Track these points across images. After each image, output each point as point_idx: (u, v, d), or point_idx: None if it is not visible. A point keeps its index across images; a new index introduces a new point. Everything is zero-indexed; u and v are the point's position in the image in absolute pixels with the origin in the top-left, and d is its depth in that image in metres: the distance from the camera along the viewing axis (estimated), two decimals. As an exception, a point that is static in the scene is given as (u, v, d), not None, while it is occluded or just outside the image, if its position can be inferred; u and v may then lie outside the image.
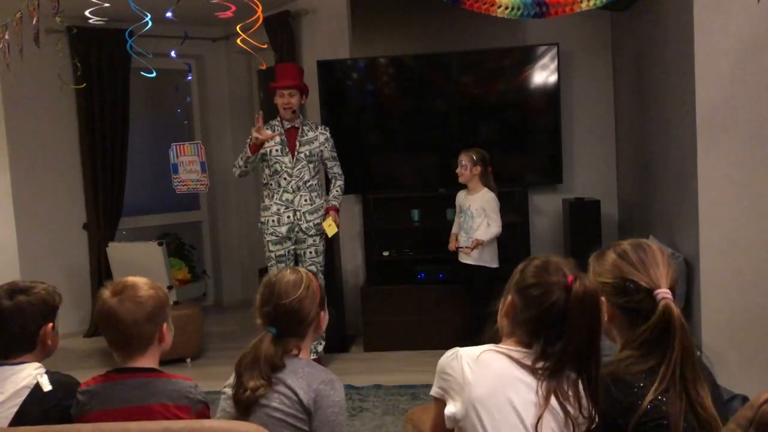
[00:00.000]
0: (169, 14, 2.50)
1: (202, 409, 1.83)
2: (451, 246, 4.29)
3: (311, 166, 4.18)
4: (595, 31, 4.99)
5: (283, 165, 4.11)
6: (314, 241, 4.20)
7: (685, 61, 3.39)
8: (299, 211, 4.14)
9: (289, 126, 4.15)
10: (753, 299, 3.25)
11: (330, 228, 4.15)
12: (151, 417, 1.75)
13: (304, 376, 1.75)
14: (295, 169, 4.13)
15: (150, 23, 2.42)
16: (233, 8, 2.51)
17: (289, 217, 4.14)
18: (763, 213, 3.23)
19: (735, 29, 3.20)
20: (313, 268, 4.22)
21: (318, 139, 4.20)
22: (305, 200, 4.15)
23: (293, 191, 4.12)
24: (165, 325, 1.89)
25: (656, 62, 3.96)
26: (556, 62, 4.72)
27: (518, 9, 2.24)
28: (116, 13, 2.70)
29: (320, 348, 4.33)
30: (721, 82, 3.24)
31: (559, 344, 1.44)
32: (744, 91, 3.22)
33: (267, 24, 5.06)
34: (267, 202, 4.18)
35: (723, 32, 3.21)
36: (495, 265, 4.10)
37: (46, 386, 1.80)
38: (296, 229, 4.17)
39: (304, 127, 4.18)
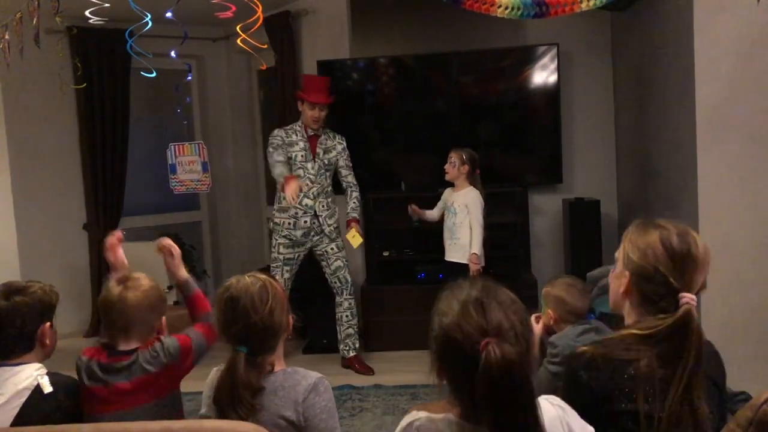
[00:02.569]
0: (169, 14, 2.50)
1: (181, 354, 1.91)
2: (412, 208, 4.27)
3: (328, 173, 4.28)
4: (595, 31, 4.99)
5: (306, 171, 4.17)
6: (334, 237, 4.28)
7: (685, 61, 3.39)
8: (321, 216, 4.21)
9: (311, 133, 4.22)
10: (753, 299, 3.25)
11: (354, 239, 4.19)
12: (141, 389, 1.83)
13: (286, 393, 1.64)
14: (317, 175, 4.20)
15: (150, 23, 2.42)
16: (233, 8, 2.51)
17: (306, 221, 4.20)
18: (763, 213, 3.24)
19: (735, 29, 3.20)
20: (339, 263, 4.28)
21: (336, 148, 4.28)
22: (323, 206, 4.24)
23: (314, 197, 4.19)
24: (164, 319, 1.97)
25: (656, 62, 3.96)
26: (556, 62, 4.72)
27: (518, 9, 2.24)
28: (116, 13, 2.70)
29: (357, 344, 4.38)
30: (721, 82, 3.24)
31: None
32: (744, 91, 3.22)
33: (267, 24, 5.05)
34: (285, 204, 4.19)
35: (723, 32, 3.22)
36: (482, 263, 4.08)
37: (47, 388, 1.79)
38: (312, 233, 4.23)
39: (322, 136, 4.26)
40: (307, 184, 4.17)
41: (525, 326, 1.21)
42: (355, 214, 4.30)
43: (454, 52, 5.06)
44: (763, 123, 3.21)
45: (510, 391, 1.14)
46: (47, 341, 1.92)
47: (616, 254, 1.58)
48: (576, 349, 1.51)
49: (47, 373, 1.84)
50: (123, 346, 1.89)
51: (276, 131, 4.23)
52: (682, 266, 1.44)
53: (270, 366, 1.68)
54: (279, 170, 4.04)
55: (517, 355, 1.15)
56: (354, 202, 4.33)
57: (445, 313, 1.22)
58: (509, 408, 1.15)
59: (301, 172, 4.16)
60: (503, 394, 1.14)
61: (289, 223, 4.20)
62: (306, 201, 4.17)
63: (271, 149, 4.16)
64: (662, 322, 1.41)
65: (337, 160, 4.29)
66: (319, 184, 4.22)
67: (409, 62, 5.07)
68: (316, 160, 4.20)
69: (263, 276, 1.74)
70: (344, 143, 4.33)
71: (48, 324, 1.92)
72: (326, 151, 4.24)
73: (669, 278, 1.43)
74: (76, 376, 1.91)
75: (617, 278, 1.55)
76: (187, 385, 2.01)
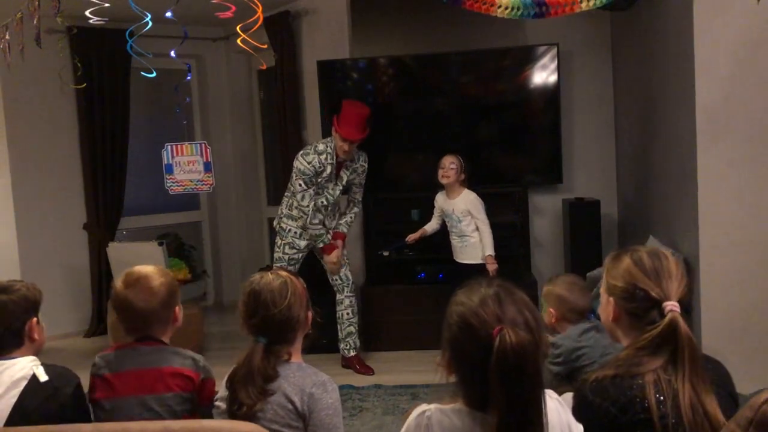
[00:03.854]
0: (169, 14, 2.49)
1: (209, 381, 1.94)
2: (410, 238, 4.34)
3: (342, 191, 4.27)
4: (595, 31, 4.99)
5: (327, 190, 4.17)
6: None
7: (685, 61, 3.39)
8: (329, 228, 4.24)
9: (342, 159, 4.15)
10: (753, 299, 3.25)
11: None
12: (161, 379, 1.87)
13: (296, 381, 1.73)
14: (336, 195, 4.21)
15: (150, 23, 2.42)
16: (233, 8, 2.51)
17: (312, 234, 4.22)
18: (763, 213, 3.24)
19: (735, 29, 3.20)
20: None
21: (357, 170, 4.26)
22: (331, 217, 4.28)
23: (325, 214, 4.18)
24: (177, 308, 2.03)
25: (656, 62, 3.96)
26: (556, 62, 4.72)
27: (518, 9, 2.24)
28: (116, 13, 2.70)
29: (359, 343, 4.40)
30: (721, 82, 3.24)
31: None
32: (744, 91, 3.22)
33: (267, 24, 5.05)
34: (296, 213, 4.20)
35: (723, 32, 3.22)
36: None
37: (43, 376, 1.84)
38: (313, 244, 4.26)
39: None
40: (323, 203, 4.16)
41: (538, 323, 1.28)
42: (345, 229, 4.31)
43: (454, 52, 5.06)
44: (763, 123, 3.21)
45: (521, 377, 1.20)
46: (35, 336, 1.97)
47: (600, 290, 1.66)
48: (585, 374, 1.56)
49: (42, 364, 1.89)
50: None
51: (311, 157, 4.02)
52: (658, 278, 1.52)
53: (287, 355, 1.78)
54: (319, 231, 4.10)
55: (531, 342, 1.22)
56: (350, 218, 4.35)
57: (462, 303, 1.30)
58: (519, 395, 1.20)
59: (322, 191, 4.15)
60: (515, 380, 1.19)
61: (295, 232, 4.22)
62: (318, 216, 4.15)
63: (302, 183, 4.02)
64: (652, 333, 1.47)
65: (354, 178, 4.27)
66: (335, 203, 4.25)
67: (409, 62, 5.07)
68: (339, 183, 4.19)
69: (285, 273, 1.85)
70: (366, 165, 4.28)
71: (34, 319, 1.97)
72: (348, 172, 4.22)
73: (648, 291, 1.50)
74: (76, 372, 1.94)
75: (604, 308, 1.63)
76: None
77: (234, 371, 1.75)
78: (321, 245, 4.16)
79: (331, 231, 4.25)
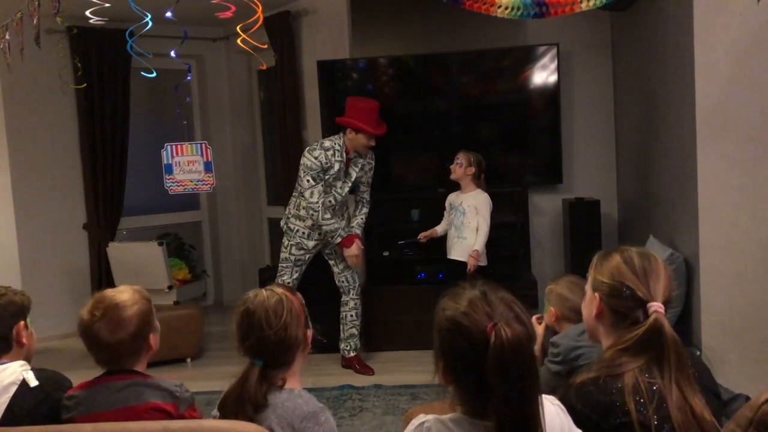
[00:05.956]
0: (169, 14, 2.49)
1: (189, 409, 1.84)
2: (422, 236, 4.31)
3: (350, 190, 4.26)
4: (595, 31, 4.99)
5: (335, 188, 4.16)
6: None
7: (685, 61, 3.39)
8: None
9: (351, 156, 4.15)
10: (753, 299, 3.25)
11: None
12: (136, 418, 1.73)
13: (284, 413, 1.61)
14: (344, 193, 4.20)
15: (150, 23, 2.42)
16: (233, 8, 2.51)
17: (319, 234, 4.20)
18: (763, 213, 3.23)
19: (735, 29, 3.20)
20: (347, 262, 4.28)
21: (365, 167, 4.24)
22: (340, 217, 4.25)
23: (332, 214, 4.15)
24: (152, 336, 1.89)
25: (656, 62, 3.96)
26: (556, 62, 4.73)
27: (518, 9, 2.24)
28: (116, 13, 2.70)
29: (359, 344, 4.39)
30: (721, 82, 3.24)
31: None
32: (744, 91, 3.22)
33: (267, 24, 5.06)
34: (303, 213, 4.18)
35: (723, 32, 3.22)
36: (484, 263, 4.10)
37: (33, 381, 1.82)
38: (323, 242, 4.25)
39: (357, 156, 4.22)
40: (331, 202, 4.15)
41: (528, 319, 1.27)
42: (359, 231, 4.30)
43: (454, 52, 5.06)
44: (763, 123, 3.21)
45: (520, 372, 1.18)
46: (24, 340, 1.95)
47: (586, 286, 1.66)
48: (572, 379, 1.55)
49: (32, 369, 1.87)
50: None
51: (317, 152, 4.02)
52: (646, 278, 1.52)
53: (281, 381, 1.67)
54: (333, 226, 4.07)
55: (525, 335, 1.21)
56: (362, 218, 4.34)
57: (450, 308, 1.28)
58: (518, 392, 1.17)
59: (330, 189, 4.14)
60: (514, 376, 1.17)
61: (303, 233, 4.21)
62: (327, 215, 4.14)
63: (310, 179, 4.01)
64: (636, 333, 1.47)
65: (362, 176, 4.26)
66: (343, 202, 4.23)
67: (409, 62, 5.07)
68: (347, 180, 4.18)
69: (281, 290, 1.73)
70: (373, 162, 4.28)
71: (22, 323, 1.95)
72: (357, 170, 4.20)
73: (635, 291, 1.51)
74: (70, 375, 1.92)
75: (588, 305, 1.63)
76: (211, 385, 1.98)
77: (226, 396, 1.66)
78: (339, 240, 4.11)
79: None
